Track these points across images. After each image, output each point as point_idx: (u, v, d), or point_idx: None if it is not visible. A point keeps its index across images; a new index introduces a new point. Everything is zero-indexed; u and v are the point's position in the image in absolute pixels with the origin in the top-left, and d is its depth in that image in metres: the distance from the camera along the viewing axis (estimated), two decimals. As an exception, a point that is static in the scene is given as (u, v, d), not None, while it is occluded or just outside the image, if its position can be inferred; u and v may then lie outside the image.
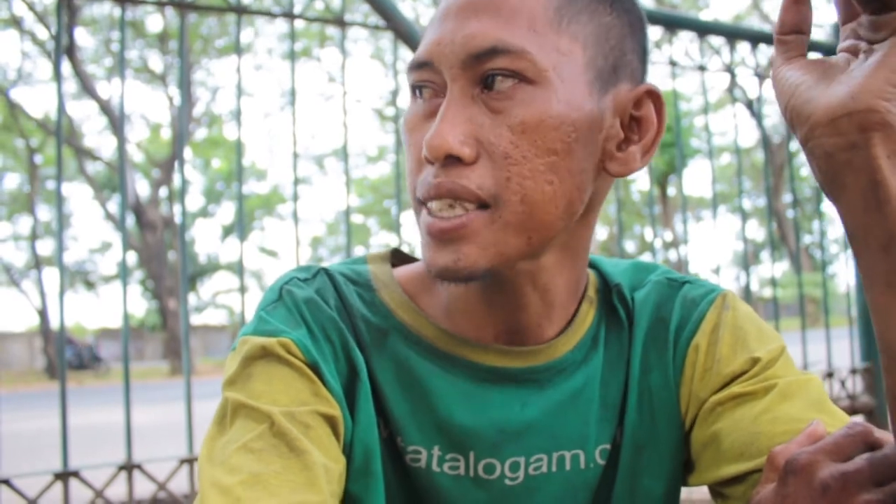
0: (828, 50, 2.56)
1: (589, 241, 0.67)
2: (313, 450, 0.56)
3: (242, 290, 2.04)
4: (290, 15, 2.07)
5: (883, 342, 0.48)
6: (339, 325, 0.64)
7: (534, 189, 0.58)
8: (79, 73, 15.33)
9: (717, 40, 2.68)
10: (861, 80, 0.47)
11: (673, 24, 2.51)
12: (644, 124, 0.64)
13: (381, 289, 0.68)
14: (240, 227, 2.08)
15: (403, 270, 0.70)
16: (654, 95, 0.64)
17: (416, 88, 0.62)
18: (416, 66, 0.61)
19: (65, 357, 1.75)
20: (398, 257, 0.73)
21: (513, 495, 0.65)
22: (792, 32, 0.53)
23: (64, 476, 1.72)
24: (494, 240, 0.58)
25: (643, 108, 0.64)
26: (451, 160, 0.58)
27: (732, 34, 2.67)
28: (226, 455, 0.55)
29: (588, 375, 0.67)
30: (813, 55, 0.54)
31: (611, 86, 0.62)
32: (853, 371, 2.81)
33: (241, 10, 2.01)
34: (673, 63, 2.56)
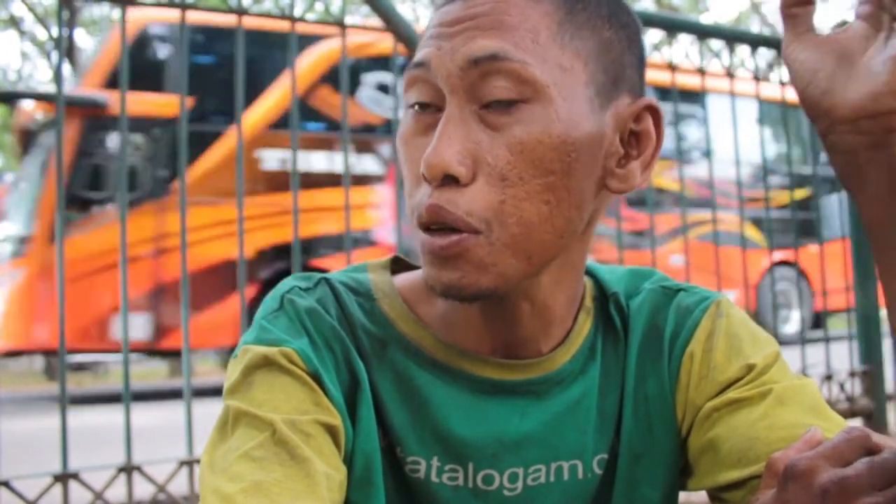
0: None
1: (586, 256, 0.67)
2: (314, 458, 0.56)
3: (241, 290, 2.04)
4: (290, 17, 2.07)
5: None
6: (340, 334, 0.63)
7: (530, 210, 0.57)
8: (79, 74, 15.32)
9: (716, 44, 2.68)
10: (883, 79, 0.46)
11: (673, 27, 2.51)
12: (643, 139, 0.63)
13: (381, 298, 0.68)
14: (239, 227, 2.08)
15: (403, 279, 0.70)
16: (653, 109, 0.63)
17: (414, 104, 0.62)
18: (414, 66, 0.60)
19: (65, 358, 1.75)
20: (398, 264, 0.73)
21: None
22: (798, 4, 0.51)
23: (63, 478, 1.72)
24: (493, 261, 0.58)
25: (642, 123, 0.63)
26: (447, 180, 0.57)
27: (732, 37, 2.68)
28: (227, 463, 0.55)
29: (586, 386, 0.68)
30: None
31: (611, 101, 0.61)
32: (852, 374, 2.81)
33: (241, 12, 2.01)
34: (672, 66, 2.57)
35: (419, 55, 0.61)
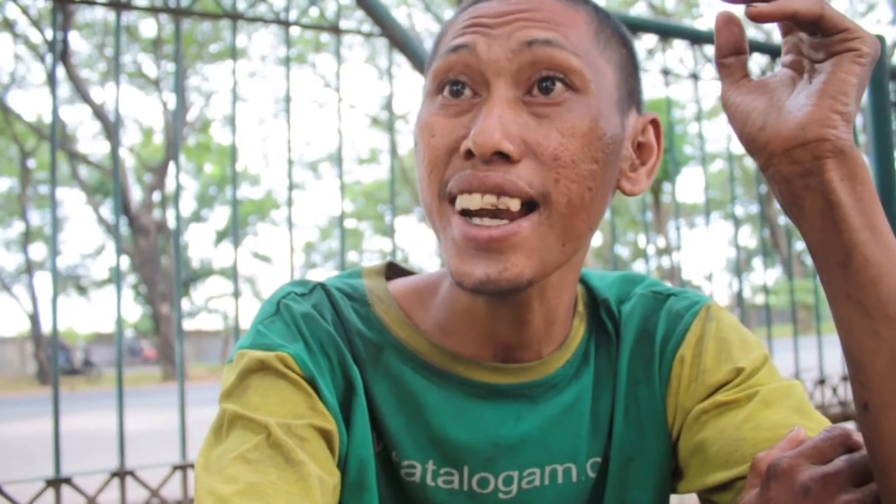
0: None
1: (585, 258, 0.68)
2: (309, 462, 0.56)
3: (236, 295, 2.04)
4: (285, 22, 2.07)
5: (847, 352, 0.52)
6: (335, 340, 0.64)
7: (578, 193, 0.59)
8: (73, 78, 15.30)
9: (710, 49, 2.69)
10: (808, 110, 0.50)
11: (667, 32, 2.52)
12: (647, 149, 0.67)
13: (376, 304, 0.68)
14: (234, 232, 2.08)
15: (398, 285, 0.71)
16: (655, 123, 0.67)
17: (447, 84, 0.61)
18: (454, 49, 0.60)
19: (57, 362, 1.75)
20: (393, 270, 0.74)
21: None
22: (731, 54, 0.56)
23: (56, 483, 1.71)
24: (539, 246, 0.58)
25: (646, 135, 0.67)
26: (496, 157, 0.57)
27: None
28: (222, 465, 0.55)
29: (579, 390, 0.68)
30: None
31: (627, 112, 0.64)
32: (845, 378, 2.82)
33: (235, 17, 2.02)
34: (666, 71, 2.58)
35: (459, 40, 0.60)
